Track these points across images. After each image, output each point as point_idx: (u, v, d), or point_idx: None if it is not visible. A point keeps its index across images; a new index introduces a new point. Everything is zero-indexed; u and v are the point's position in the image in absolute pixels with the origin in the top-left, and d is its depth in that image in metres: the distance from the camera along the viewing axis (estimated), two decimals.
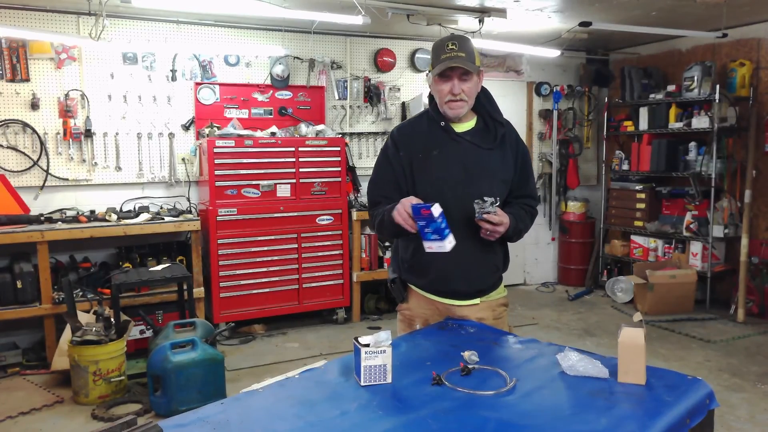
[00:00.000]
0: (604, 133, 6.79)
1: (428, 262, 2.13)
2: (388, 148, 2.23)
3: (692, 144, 5.86)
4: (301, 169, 5.08)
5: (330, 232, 5.25)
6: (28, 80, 4.60)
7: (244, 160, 4.87)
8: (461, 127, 2.17)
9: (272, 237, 5.02)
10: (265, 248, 5.00)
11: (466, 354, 1.78)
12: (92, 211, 4.69)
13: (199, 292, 4.71)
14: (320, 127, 5.31)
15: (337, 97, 5.72)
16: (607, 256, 6.77)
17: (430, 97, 2.22)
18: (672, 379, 1.67)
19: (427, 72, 2.17)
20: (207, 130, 5.02)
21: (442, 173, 2.12)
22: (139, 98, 4.98)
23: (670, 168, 5.99)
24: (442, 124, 2.16)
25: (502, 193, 2.17)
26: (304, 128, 5.27)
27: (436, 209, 1.89)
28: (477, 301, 2.20)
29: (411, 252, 2.18)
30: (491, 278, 2.23)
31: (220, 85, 5.26)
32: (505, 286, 2.29)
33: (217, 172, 4.78)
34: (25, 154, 4.64)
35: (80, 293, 4.38)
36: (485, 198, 2.01)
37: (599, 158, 7.11)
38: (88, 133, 4.79)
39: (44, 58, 4.64)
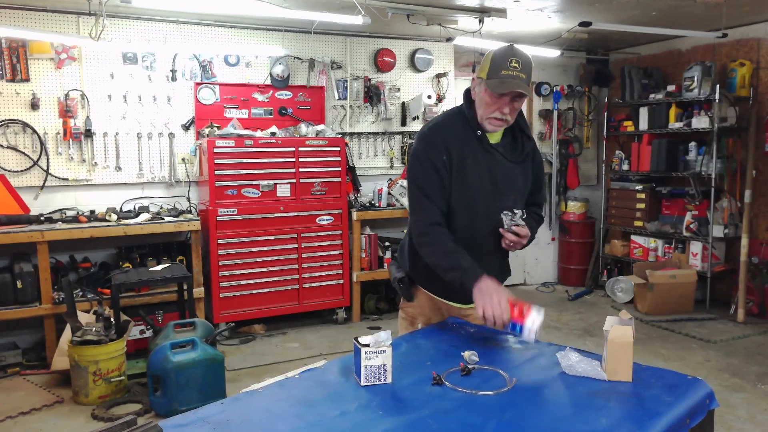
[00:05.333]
0: (604, 133, 6.79)
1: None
2: (431, 153, 2.05)
3: (692, 144, 5.86)
4: (301, 169, 5.08)
5: (330, 232, 5.25)
6: (28, 80, 4.60)
7: (244, 160, 4.87)
8: (493, 138, 2.12)
9: (272, 237, 5.02)
10: (265, 248, 5.00)
11: (466, 354, 1.78)
12: (92, 211, 4.69)
13: (199, 292, 4.71)
14: (320, 127, 5.31)
15: (337, 97, 5.71)
16: (607, 256, 6.77)
17: (467, 96, 2.12)
18: (672, 379, 1.67)
19: (477, 76, 2.04)
20: (207, 130, 5.02)
21: (475, 184, 2.07)
22: (139, 98, 4.98)
23: (670, 168, 5.98)
24: (479, 133, 2.08)
25: (522, 205, 2.19)
26: (304, 128, 5.27)
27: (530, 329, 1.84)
28: None
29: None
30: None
31: (220, 85, 5.25)
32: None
33: (217, 172, 4.78)
34: (25, 154, 4.63)
35: (80, 293, 4.38)
36: (514, 210, 2.08)
37: (599, 158, 7.11)
38: (88, 133, 4.79)
39: (44, 58, 4.64)
